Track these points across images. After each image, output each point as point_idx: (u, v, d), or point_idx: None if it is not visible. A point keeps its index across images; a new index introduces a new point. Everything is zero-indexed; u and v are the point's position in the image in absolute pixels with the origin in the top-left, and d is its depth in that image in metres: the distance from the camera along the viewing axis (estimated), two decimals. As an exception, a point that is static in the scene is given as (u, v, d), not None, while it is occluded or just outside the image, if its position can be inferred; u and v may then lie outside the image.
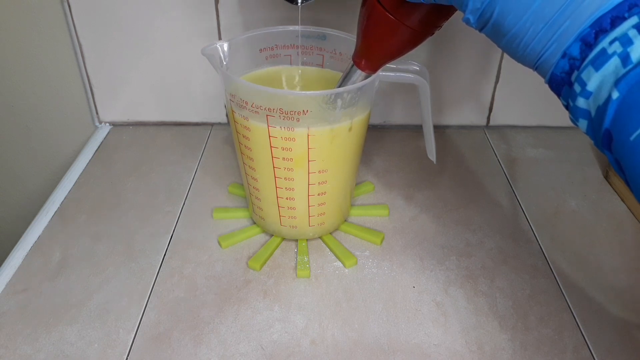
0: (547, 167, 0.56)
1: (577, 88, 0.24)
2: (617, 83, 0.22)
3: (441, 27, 0.32)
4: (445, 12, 0.31)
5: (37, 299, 0.40)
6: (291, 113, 0.36)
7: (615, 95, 0.22)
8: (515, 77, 0.58)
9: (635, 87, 0.22)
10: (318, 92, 0.36)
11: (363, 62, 0.36)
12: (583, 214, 0.49)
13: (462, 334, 0.38)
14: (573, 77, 0.24)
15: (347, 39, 0.43)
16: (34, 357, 0.36)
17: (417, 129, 0.60)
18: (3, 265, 0.43)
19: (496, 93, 0.60)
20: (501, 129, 0.62)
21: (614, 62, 0.22)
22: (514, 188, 0.52)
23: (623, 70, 0.22)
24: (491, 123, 0.62)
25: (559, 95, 0.26)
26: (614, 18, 0.23)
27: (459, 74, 0.58)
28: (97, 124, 0.62)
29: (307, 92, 0.37)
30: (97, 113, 0.61)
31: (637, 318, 0.39)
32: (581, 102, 0.24)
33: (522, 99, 0.60)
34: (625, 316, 0.39)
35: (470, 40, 0.56)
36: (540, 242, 0.46)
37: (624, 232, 0.48)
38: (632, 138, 0.22)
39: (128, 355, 0.36)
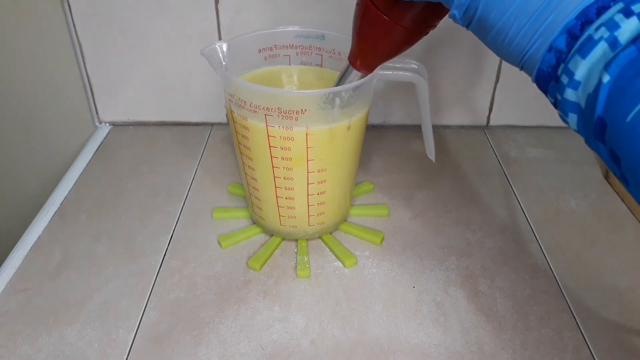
0: (547, 167, 0.56)
1: (564, 79, 0.23)
2: (607, 67, 0.21)
3: (435, 26, 0.32)
4: (438, 11, 0.31)
5: (37, 299, 0.40)
6: (289, 112, 0.36)
7: (606, 79, 0.21)
8: (515, 77, 0.58)
9: (627, 67, 0.21)
10: (316, 91, 0.36)
11: (358, 62, 0.36)
12: (583, 214, 0.49)
13: (462, 334, 0.38)
14: (559, 71, 0.24)
15: (345, 39, 0.43)
16: (34, 357, 0.36)
17: (417, 129, 0.60)
18: (3, 265, 0.43)
19: (496, 93, 0.60)
20: (501, 129, 0.62)
21: (601, 47, 0.22)
22: (514, 188, 0.52)
23: (612, 54, 0.21)
24: (491, 123, 0.62)
25: (546, 92, 0.25)
26: (600, 8, 0.22)
27: (459, 73, 0.58)
28: (97, 124, 0.62)
29: (305, 92, 0.37)
30: (97, 113, 0.61)
31: (637, 318, 0.39)
32: (570, 94, 0.23)
33: (522, 99, 0.60)
34: (625, 316, 0.39)
35: (470, 40, 0.55)
36: (540, 242, 0.46)
37: (624, 232, 0.47)
38: (628, 119, 0.21)
39: (128, 355, 0.36)
